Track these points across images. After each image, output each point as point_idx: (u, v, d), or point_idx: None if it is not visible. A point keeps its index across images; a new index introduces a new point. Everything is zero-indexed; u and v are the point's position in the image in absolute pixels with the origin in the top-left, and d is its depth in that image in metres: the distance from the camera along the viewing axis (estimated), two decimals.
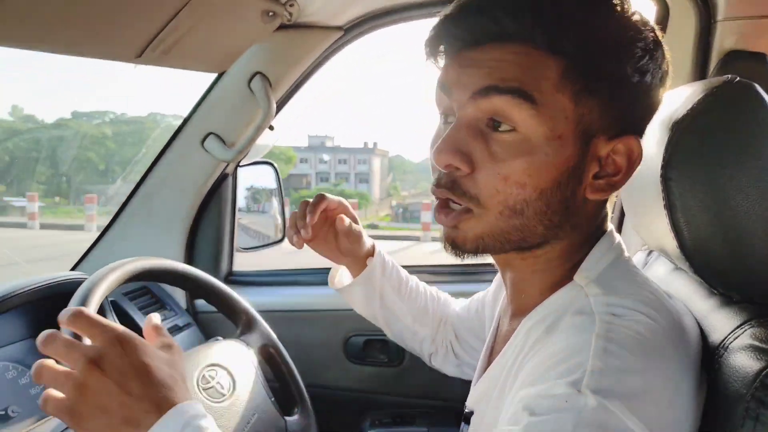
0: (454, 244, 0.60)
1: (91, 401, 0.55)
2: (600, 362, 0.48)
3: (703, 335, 0.60)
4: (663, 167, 0.58)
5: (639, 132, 0.58)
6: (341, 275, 1.00)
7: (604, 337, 0.50)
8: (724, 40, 1.03)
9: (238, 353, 0.94)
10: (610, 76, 0.54)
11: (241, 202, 1.47)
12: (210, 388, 0.84)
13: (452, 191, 0.57)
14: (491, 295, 0.90)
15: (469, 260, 0.61)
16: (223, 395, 0.85)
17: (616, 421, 0.45)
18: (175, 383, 0.58)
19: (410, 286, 1.00)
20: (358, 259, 0.95)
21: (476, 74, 0.55)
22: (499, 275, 0.86)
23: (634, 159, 0.57)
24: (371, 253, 0.96)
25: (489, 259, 0.65)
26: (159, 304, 1.30)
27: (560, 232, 0.59)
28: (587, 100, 0.55)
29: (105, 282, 0.80)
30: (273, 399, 0.94)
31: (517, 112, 0.53)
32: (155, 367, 0.58)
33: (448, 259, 0.63)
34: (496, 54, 0.54)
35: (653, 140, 0.61)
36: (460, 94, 0.56)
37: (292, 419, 0.97)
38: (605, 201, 0.62)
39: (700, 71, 1.06)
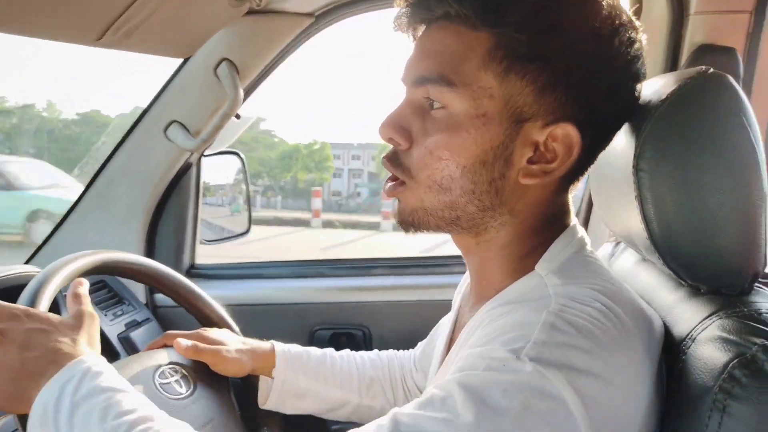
0: (398, 216, 0.63)
1: None
2: (545, 335, 0.49)
3: (667, 329, 0.59)
4: (635, 157, 0.57)
5: (591, 121, 0.56)
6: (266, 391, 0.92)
7: (554, 314, 0.51)
8: (695, 33, 1.03)
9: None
10: (541, 58, 0.54)
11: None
12: (167, 383, 0.81)
13: (391, 162, 0.61)
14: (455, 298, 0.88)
15: (414, 235, 0.64)
16: (181, 394, 0.82)
17: (550, 387, 0.46)
18: (76, 343, 0.64)
19: (337, 366, 0.93)
20: (257, 370, 0.89)
21: (417, 62, 0.59)
22: (466, 275, 0.85)
23: (571, 147, 0.56)
24: (269, 360, 0.90)
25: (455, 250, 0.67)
26: (117, 298, 1.25)
27: (497, 215, 0.60)
28: (516, 80, 0.54)
29: (58, 276, 0.76)
30: (239, 412, 0.90)
31: (442, 95, 0.57)
32: (56, 329, 0.65)
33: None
34: (434, 38, 0.58)
35: (625, 130, 0.60)
36: (407, 79, 0.61)
37: None
38: (559, 191, 0.61)
39: (671, 65, 1.06)
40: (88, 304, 0.71)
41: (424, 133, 0.58)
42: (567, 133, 0.56)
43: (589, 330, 0.50)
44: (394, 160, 0.61)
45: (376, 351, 0.99)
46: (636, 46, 0.57)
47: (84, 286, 0.74)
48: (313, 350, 0.94)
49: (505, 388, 0.47)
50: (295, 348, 0.93)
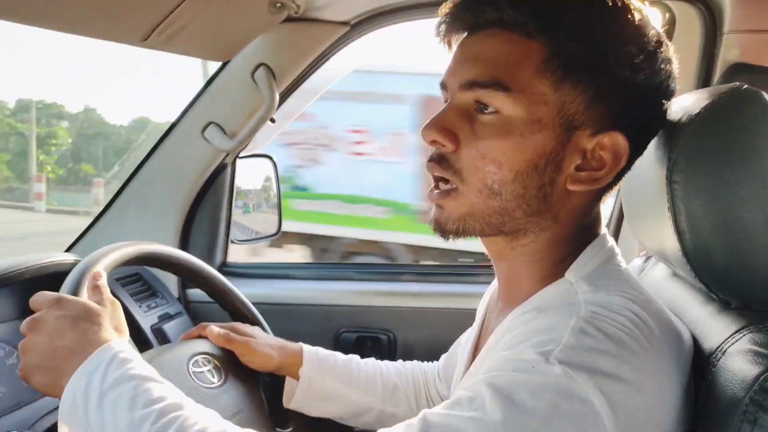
0: (438, 224, 0.62)
1: (29, 359, 0.65)
2: (574, 339, 0.50)
3: (696, 341, 0.60)
4: (668, 170, 0.58)
5: (632, 132, 0.58)
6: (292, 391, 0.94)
7: (584, 320, 0.52)
8: (728, 52, 1.04)
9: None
10: (595, 68, 0.55)
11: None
12: (200, 372, 0.83)
13: (439, 164, 0.61)
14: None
15: (452, 241, 0.63)
16: (212, 383, 0.84)
17: (578, 390, 0.47)
18: (102, 328, 0.66)
19: (363, 371, 0.94)
20: (284, 368, 0.92)
21: (464, 67, 0.59)
22: (492, 285, 0.86)
23: (620, 156, 0.58)
24: (297, 360, 0.92)
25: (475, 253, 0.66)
26: (151, 291, 1.28)
27: (541, 221, 0.60)
28: (570, 89, 0.56)
29: (99, 265, 0.79)
30: (267, 407, 0.93)
31: (496, 100, 0.57)
32: (84, 315, 0.66)
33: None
34: (485, 44, 0.58)
35: (658, 143, 0.61)
36: (453, 83, 0.61)
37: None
38: (595, 200, 0.62)
39: (703, 82, 1.07)
40: (107, 293, 0.72)
41: (473, 137, 0.58)
42: (616, 141, 0.57)
43: (619, 337, 0.51)
44: (442, 162, 0.60)
45: (400, 360, 1.00)
46: (673, 64, 0.59)
47: (102, 278, 0.75)
48: (340, 354, 0.96)
49: (533, 389, 0.48)
50: (322, 351, 0.94)
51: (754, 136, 0.55)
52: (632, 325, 0.52)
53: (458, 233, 0.62)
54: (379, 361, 0.98)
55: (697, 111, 0.57)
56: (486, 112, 0.58)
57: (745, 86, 0.57)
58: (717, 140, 0.56)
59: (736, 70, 1.02)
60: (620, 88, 0.56)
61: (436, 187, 0.62)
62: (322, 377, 0.91)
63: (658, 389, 0.51)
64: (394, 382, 0.94)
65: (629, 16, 0.56)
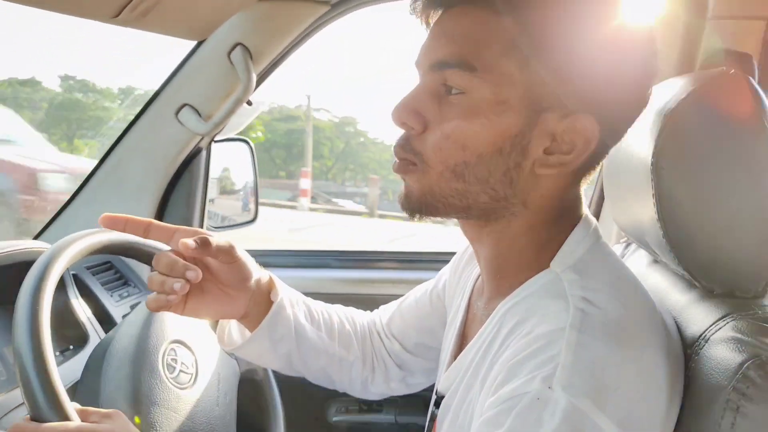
0: (403, 200, 0.61)
1: None
2: (572, 356, 0.49)
3: (678, 329, 0.59)
4: (654, 155, 0.56)
5: (604, 115, 0.56)
6: (231, 331, 0.81)
7: (578, 328, 0.50)
8: (712, 38, 1.03)
9: (204, 331, 0.91)
10: (565, 47, 0.53)
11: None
12: (176, 374, 0.81)
13: (403, 148, 0.60)
14: (452, 276, 0.84)
15: (420, 221, 0.62)
16: (189, 375, 0.82)
17: (584, 419, 0.46)
18: None
19: (321, 313, 0.86)
20: (254, 296, 0.76)
21: (436, 45, 0.58)
22: (458, 254, 0.84)
23: (589, 140, 0.56)
24: (268, 286, 0.79)
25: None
26: (123, 280, 1.25)
27: (510, 205, 0.59)
28: (538, 69, 0.54)
29: (66, 254, 0.76)
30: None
31: (462, 80, 0.55)
32: None
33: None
34: (456, 22, 0.57)
35: (643, 128, 0.60)
36: (424, 62, 0.59)
37: None
38: (572, 184, 0.61)
39: (687, 68, 1.06)
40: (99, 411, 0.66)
41: (440, 119, 0.57)
42: (585, 125, 0.55)
43: (613, 338, 0.50)
44: (405, 146, 0.59)
45: (341, 306, 0.91)
46: (652, 43, 0.57)
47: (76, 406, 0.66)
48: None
49: (545, 425, 0.46)
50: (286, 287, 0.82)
51: (741, 122, 0.54)
52: (624, 321, 0.52)
53: (421, 212, 0.61)
54: (322, 303, 0.89)
55: (683, 95, 0.56)
56: (453, 93, 0.57)
57: (733, 71, 0.56)
58: (704, 125, 0.55)
59: (720, 55, 1.02)
60: (591, 69, 0.54)
61: (399, 160, 0.61)
62: (294, 313, 0.79)
63: (657, 392, 0.51)
64: (344, 327, 0.87)
65: None
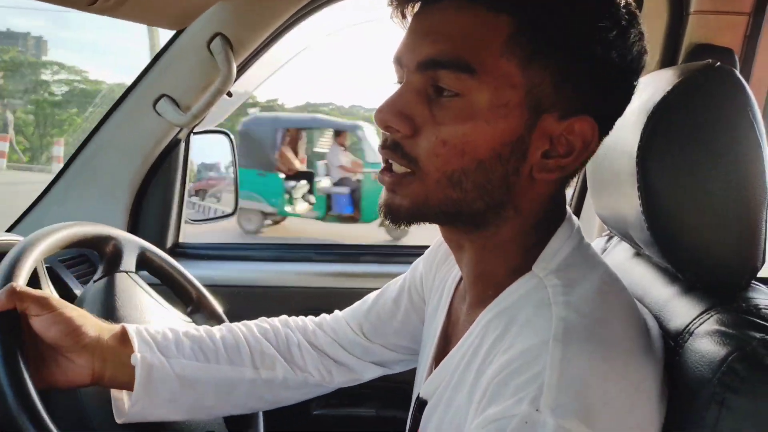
0: (390, 209, 0.57)
1: None
2: (557, 373, 0.46)
3: (662, 323, 0.59)
4: (639, 149, 0.56)
5: (602, 115, 0.55)
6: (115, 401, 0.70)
7: (561, 341, 0.48)
8: (693, 33, 1.04)
9: (176, 320, 0.89)
10: (567, 45, 0.51)
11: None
12: None
13: (394, 152, 0.56)
14: (428, 270, 0.80)
15: (401, 228, 0.59)
16: None
17: None
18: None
19: (220, 340, 0.76)
20: (104, 355, 0.66)
21: (423, 43, 0.54)
22: (433, 247, 0.82)
23: (588, 141, 0.54)
24: (120, 340, 0.68)
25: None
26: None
27: (502, 211, 0.56)
28: (538, 69, 0.52)
29: (38, 247, 0.74)
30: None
31: (458, 82, 0.52)
32: None
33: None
34: (447, 17, 0.53)
35: (627, 121, 0.59)
36: (409, 61, 0.55)
37: (196, 317, 0.94)
38: (560, 186, 0.59)
39: (668, 63, 1.06)
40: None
41: (432, 122, 0.53)
42: (585, 126, 0.53)
43: (599, 350, 0.48)
44: (396, 149, 0.55)
45: (263, 318, 0.85)
46: (644, 40, 0.56)
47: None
48: (172, 329, 0.74)
49: None
50: (149, 328, 0.72)
51: (726, 115, 0.54)
52: (609, 328, 0.51)
53: (410, 221, 0.57)
54: (226, 323, 0.83)
55: (669, 89, 0.56)
56: (445, 95, 0.53)
57: (718, 63, 0.56)
58: (689, 119, 0.55)
59: (701, 51, 1.02)
60: (592, 68, 0.52)
61: (388, 168, 0.57)
62: (168, 359, 0.69)
63: (646, 398, 0.49)
64: (262, 344, 0.79)
65: None
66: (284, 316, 0.87)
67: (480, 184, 0.54)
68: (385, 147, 0.56)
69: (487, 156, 0.53)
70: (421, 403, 0.67)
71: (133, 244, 0.90)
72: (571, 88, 0.53)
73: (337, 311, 0.90)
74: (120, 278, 0.86)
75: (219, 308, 0.97)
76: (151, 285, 0.91)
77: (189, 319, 0.93)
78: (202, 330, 0.77)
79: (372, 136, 7.38)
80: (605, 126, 0.57)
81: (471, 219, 0.57)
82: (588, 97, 0.53)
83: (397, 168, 0.56)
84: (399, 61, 0.56)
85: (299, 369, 0.81)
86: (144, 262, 0.92)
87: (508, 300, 0.57)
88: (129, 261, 0.89)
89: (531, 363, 0.48)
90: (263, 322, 0.83)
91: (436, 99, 0.54)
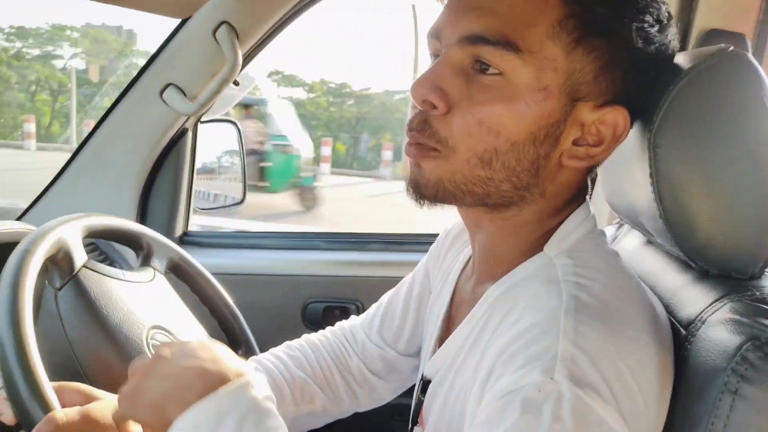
0: (416, 185, 0.56)
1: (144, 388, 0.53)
2: (571, 346, 0.46)
3: (674, 311, 0.59)
4: (652, 133, 0.55)
5: (634, 107, 0.55)
6: None
7: (573, 316, 0.48)
8: (704, 18, 1.02)
9: (187, 319, 0.89)
10: (612, 34, 0.52)
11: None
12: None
13: (422, 133, 0.55)
14: (435, 263, 0.80)
15: (426, 207, 0.58)
16: None
17: (591, 412, 0.44)
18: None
19: (296, 376, 0.78)
20: None
21: (466, 17, 0.52)
22: (440, 238, 0.82)
23: (619, 133, 0.54)
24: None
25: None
26: (108, 261, 1.23)
27: (528, 195, 0.56)
28: (582, 56, 0.52)
29: (49, 238, 0.74)
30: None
31: (503, 60, 0.51)
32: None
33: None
34: None
35: None
36: (449, 35, 0.54)
37: None
38: (584, 172, 0.59)
39: (679, 49, 1.05)
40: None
41: (469, 100, 0.52)
42: (617, 117, 0.54)
43: (609, 326, 0.48)
44: (424, 129, 0.54)
45: (288, 344, 0.85)
46: (677, 40, 0.57)
47: None
48: None
49: (552, 418, 0.43)
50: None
51: (741, 100, 0.53)
52: (618, 306, 0.51)
53: (435, 199, 0.56)
54: (265, 356, 0.83)
55: (682, 72, 0.55)
56: (487, 72, 0.52)
57: (732, 48, 0.55)
58: (703, 103, 0.54)
59: (712, 36, 1.01)
60: (632, 60, 0.53)
61: (416, 143, 0.56)
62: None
63: (653, 381, 0.49)
64: (300, 378, 0.79)
65: None
66: (308, 336, 0.86)
67: (510, 166, 0.54)
68: (411, 128, 0.55)
69: (521, 138, 0.53)
70: (426, 383, 0.67)
71: (145, 236, 0.91)
72: (610, 78, 0.53)
73: (353, 318, 0.91)
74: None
75: (228, 298, 0.97)
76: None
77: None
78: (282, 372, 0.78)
79: (276, 111, 7.81)
80: (635, 117, 0.56)
81: (497, 200, 0.56)
82: (624, 88, 0.54)
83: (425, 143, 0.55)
84: (437, 34, 0.55)
85: (334, 396, 0.82)
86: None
87: (517, 278, 0.58)
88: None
89: (541, 335, 0.48)
90: (291, 349, 0.83)
91: (475, 77, 0.53)
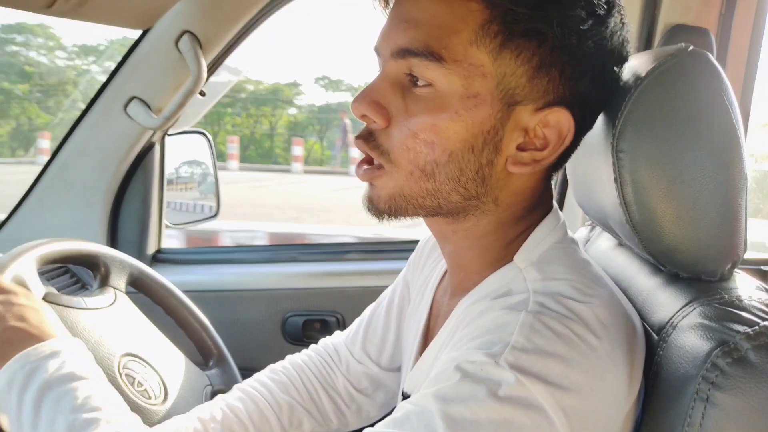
0: (370, 203, 0.58)
1: None
2: (523, 339, 0.47)
3: (645, 315, 0.58)
4: (615, 138, 0.54)
5: (579, 107, 0.53)
6: None
7: (533, 315, 0.48)
8: (668, 14, 1.02)
9: (162, 347, 0.87)
10: (537, 34, 0.50)
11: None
12: (141, 389, 0.77)
13: (367, 143, 0.56)
14: (414, 273, 0.80)
15: (387, 222, 0.59)
16: (159, 390, 0.78)
17: (533, 401, 0.44)
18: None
19: (241, 412, 0.75)
20: None
21: (396, 31, 0.53)
22: (419, 247, 0.81)
23: (564, 134, 0.53)
24: None
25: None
26: (80, 284, 1.20)
27: (480, 204, 0.56)
28: (510, 59, 0.51)
29: (13, 266, 0.72)
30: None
31: (428, 71, 0.51)
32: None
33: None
34: (420, 4, 0.52)
35: (604, 110, 0.58)
36: (384, 49, 0.55)
37: (211, 372, 0.91)
38: (542, 179, 0.58)
39: (644, 45, 1.05)
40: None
41: (405, 113, 0.53)
42: (560, 118, 0.52)
43: (568, 336, 0.48)
44: (369, 140, 0.55)
45: (272, 368, 0.83)
46: (626, 29, 0.55)
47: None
48: (199, 412, 0.73)
49: (484, 400, 0.45)
50: (187, 421, 0.70)
51: (701, 100, 0.53)
52: (582, 318, 0.50)
53: (391, 213, 0.57)
54: (249, 384, 0.81)
55: (642, 75, 0.54)
56: (419, 85, 0.52)
57: (692, 47, 0.54)
58: (664, 106, 0.53)
59: (677, 32, 1.01)
60: (566, 58, 0.51)
61: (365, 162, 0.57)
62: None
63: (609, 389, 0.49)
64: (286, 402, 0.78)
65: None
66: (292, 358, 0.85)
67: (454, 177, 0.54)
68: (359, 137, 0.56)
69: (458, 148, 0.53)
70: (406, 398, 0.66)
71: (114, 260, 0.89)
72: (546, 79, 0.52)
73: (338, 333, 0.89)
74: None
75: (202, 316, 0.95)
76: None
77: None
78: (225, 407, 0.75)
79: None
80: (585, 118, 0.55)
81: (450, 211, 0.57)
82: (563, 88, 0.52)
83: (375, 161, 0.56)
84: (377, 49, 0.56)
85: (322, 418, 0.81)
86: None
87: (488, 288, 0.57)
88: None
89: (499, 328, 0.49)
90: (275, 373, 0.81)
91: (411, 89, 0.53)
